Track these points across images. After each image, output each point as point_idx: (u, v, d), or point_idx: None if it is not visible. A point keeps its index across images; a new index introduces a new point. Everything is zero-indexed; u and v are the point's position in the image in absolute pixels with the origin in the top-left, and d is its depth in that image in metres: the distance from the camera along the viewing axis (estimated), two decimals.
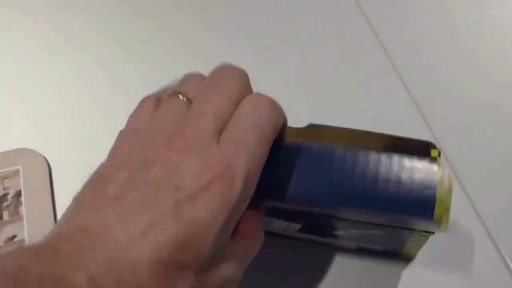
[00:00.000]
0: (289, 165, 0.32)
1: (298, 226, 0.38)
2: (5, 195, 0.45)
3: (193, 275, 0.24)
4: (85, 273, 0.22)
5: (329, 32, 0.57)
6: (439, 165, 0.31)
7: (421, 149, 0.32)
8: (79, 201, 0.27)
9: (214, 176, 0.25)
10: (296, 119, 0.35)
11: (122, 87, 0.53)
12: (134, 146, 0.27)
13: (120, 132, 0.31)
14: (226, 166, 0.25)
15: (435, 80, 0.53)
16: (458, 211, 0.44)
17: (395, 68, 0.54)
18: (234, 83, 0.29)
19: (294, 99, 0.51)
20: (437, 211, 0.30)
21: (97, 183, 0.27)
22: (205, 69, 0.33)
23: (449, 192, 0.31)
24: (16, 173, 0.46)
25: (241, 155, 0.26)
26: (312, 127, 0.34)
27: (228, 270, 0.27)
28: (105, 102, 0.52)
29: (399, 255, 0.41)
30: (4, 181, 0.46)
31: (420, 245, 0.37)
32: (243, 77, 0.30)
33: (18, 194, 0.45)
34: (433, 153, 0.32)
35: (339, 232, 0.38)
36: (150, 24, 0.59)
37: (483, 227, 0.44)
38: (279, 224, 0.38)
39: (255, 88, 0.31)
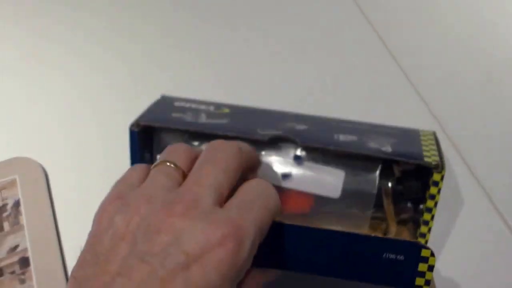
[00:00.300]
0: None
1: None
2: (4, 205, 0.45)
3: None
4: None
5: (324, 23, 0.57)
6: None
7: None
8: (81, 280, 0.25)
9: (223, 236, 0.24)
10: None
11: (117, 94, 0.53)
12: (130, 216, 0.26)
13: (105, 198, 0.29)
14: (235, 226, 0.25)
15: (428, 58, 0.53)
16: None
17: (390, 52, 0.54)
18: (229, 156, 0.29)
19: (285, 84, 0.51)
20: None
21: (97, 258, 0.26)
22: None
23: None
24: (13, 182, 0.46)
25: (249, 218, 0.26)
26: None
27: None
28: (100, 108, 0.52)
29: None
30: (2, 191, 0.45)
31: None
32: (236, 150, 0.30)
33: (17, 204, 0.45)
34: (424, 252, 0.32)
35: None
36: (148, 32, 0.58)
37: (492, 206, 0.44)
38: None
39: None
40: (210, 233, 0.24)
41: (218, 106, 0.42)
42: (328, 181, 0.37)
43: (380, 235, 0.38)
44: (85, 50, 0.56)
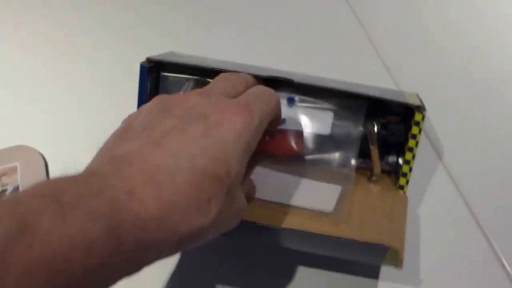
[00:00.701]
0: None
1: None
2: (4, 191, 0.46)
3: (224, 193, 0.27)
4: (123, 187, 0.23)
5: None
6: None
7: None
8: (105, 145, 0.28)
9: (236, 109, 0.29)
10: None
11: (117, 83, 0.54)
12: (152, 107, 0.30)
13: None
14: (245, 105, 0.30)
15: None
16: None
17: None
18: (240, 78, 0.35)
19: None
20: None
21: (122, 130, 0.29)
22: None
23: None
24: (13, 170, 0.47)
25: (256, 104, 0.31)
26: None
27: (244, 200, 0.31)
28: (100, 97, 0.53)
29: None
30: (2, 178, 0.46)
31: None
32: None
33: (16, 190, 0.46)
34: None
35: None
36: (144, 25, 0.59)
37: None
38: None
39: None
40: (225, 106, 0.29)
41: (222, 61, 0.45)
42: (319, 120, 0.40)
43: (365, 179, 0.42)
44: (89, 43, 0.57)
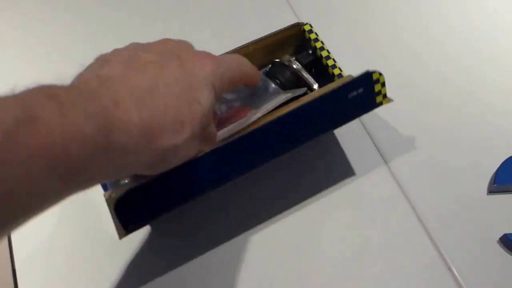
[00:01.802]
0: None
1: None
2: None
3: (197, 119, 0.30)
4: (110, 98, 0.26)
5: None
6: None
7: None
8: (85, 70, 0.30)
9: (205, 55, 0.33)
10: None
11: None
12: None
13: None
14: (214, 56, 0.34)
15: None
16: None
17: None
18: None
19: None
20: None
21: (102, 61, 0.31)
22: None
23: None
24: None
25: (224, 59, 0.34)
26: None
27: (214, 130, 0.34)
28: None
29: None
30: None
31: None
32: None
33: None
34: (375, 75, 0.39)
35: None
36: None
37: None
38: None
39: None
40: (197, 53, 0.33)
41: None
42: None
43: None
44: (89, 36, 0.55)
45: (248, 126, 0.38)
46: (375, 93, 0.39)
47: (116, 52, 0.32)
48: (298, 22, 0.46)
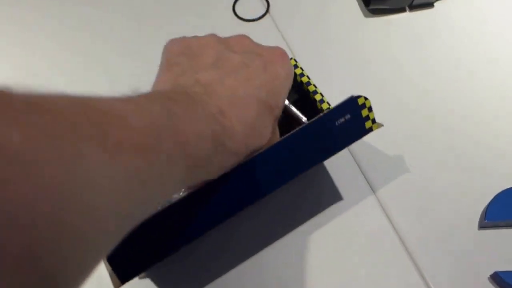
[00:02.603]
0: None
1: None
2: None
3: (273, 120, 0.33)
4: (216, 106, 0.29)
5: None
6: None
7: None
8: (175, 67, 0.33)
9: (282, 52, 0.35)
10: None
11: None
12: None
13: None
14: (284, 52, 0.36)
15: None
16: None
17: None
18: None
19: None
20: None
21: (193, 58, 0.33)
22: None
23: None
24: None
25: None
26: None
27: (277, 131, 0.36)
28: None
29: None
30: None
31: None
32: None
33: None
34: (360, 100, 0.38)
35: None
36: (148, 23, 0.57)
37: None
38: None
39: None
40: (275, 49, 0.36)
41: None
42: None
43: None
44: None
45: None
46: (363, 119, 0.38)
47: (200, 45, 0.34)
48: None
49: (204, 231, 0.35)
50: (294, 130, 0.36)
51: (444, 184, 0.46)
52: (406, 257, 0.43)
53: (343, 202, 0.46)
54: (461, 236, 0.44)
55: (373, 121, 0.38)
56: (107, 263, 0.33)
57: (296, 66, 0.45)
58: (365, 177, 0.47)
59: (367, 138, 0.47)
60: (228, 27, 0.57)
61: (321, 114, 0.36)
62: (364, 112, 0.37)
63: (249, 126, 0.31)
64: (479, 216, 0.44)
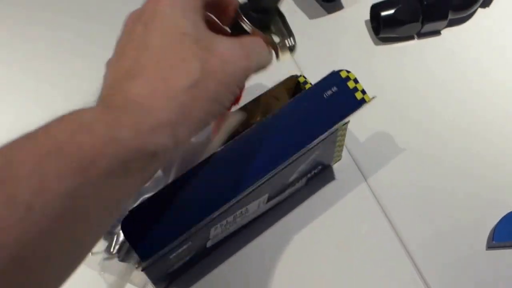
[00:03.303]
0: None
1: (266, 196, 0.43)
2: None
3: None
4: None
5: None
6: None
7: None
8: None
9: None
10: None
11: None
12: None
13: None
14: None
15: None
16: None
17: None
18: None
19: None
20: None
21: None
22: None
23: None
24: None
25: None
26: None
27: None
28: None
29: (332, 161, 0.50)
30: None
31: (343, 141, 0.47)
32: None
33: None
34: (343, 74, 0.40)
35: (293, 177, 0.44)
36: None
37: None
38: (252, 208, 0.43)
39: None
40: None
41: None
42: None
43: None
44: None
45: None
46: (351, 90, 0.39)
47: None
48: (292, 75, 0.47)
49: (216, 207, 0.36)
50: (284, 104, 0.38)
51: (453, 206, 0.48)
52: (417, 277, 0.44)
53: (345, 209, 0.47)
54: (469, 256, 0.45)
55: (363, 91, 0.39)
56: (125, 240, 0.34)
57: (305, 83, 0.46)
58: (377, 201, 0.49)
59: (378, 152, 0.49)
60: None
61: (304, 91, 0.39)
62: (351, 84, 0.39)
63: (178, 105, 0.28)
64: (487, 236, 0.46)
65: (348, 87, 0.39)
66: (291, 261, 0.46)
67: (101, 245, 0.41)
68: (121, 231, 0.38)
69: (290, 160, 0.38)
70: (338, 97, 0.39)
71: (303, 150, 0.39)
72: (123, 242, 0.40)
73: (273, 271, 0.45)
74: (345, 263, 0.46)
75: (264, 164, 0.37)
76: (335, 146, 0.47)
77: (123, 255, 0.39)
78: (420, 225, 0.47)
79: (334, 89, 0.39)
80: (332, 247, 0.47)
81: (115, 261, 0.40)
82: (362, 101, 0.39)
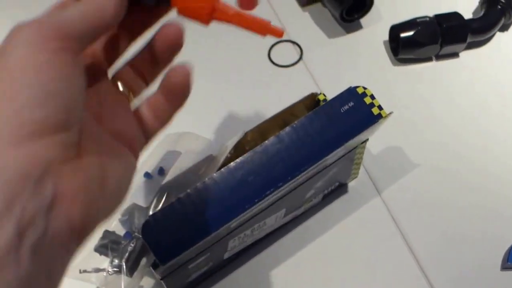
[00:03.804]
0: None
1: (283, 211, 0.44)
2: None
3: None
4: None
5: None
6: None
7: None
8: None
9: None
10: None
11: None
12: None
13: None
14: None
15: None
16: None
17: None
18: None
19: None
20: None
21: None
22: None
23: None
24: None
25: None
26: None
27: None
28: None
29: (349, 178, 0.51)
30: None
31: (361, 158, 0.48)
32: None
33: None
34: (359, 90, 0.41)
35: (310, 193, 0.45)
36: None
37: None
38: (270, 221, 0.44)
39: None
40: None
41: None
42: None
43: None
44: None
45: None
46: (367, 105, 0.40)
47: None
48: (312, 93, 0.48)
49: (235, 214, 0.37)
50: (302, 117, 0.39)
51: (468, 224, 0.49)
52: None
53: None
54: (484, 276, 0.46)
55: (379, 107, 0.40)
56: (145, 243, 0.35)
57: (325, 101, 0.47)
58: (390, 214, 0.49)
59: (392, 167, 0.49)
60: (264, 72, 0.61)
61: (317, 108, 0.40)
62: (367, 100, 0.40)
63: None
64: (502, 257, 0.46)
65: (364, 102, 0.40)
66: (305, 270, 0.47)
67: (102, 261, 0.42)
68: (128, 246, 0.40)
69: (308, 171, 0.39)
70: (355, 112, 0.40)
71: (320, 163, 0.39)
72: (129, 255, 0.40)
73: (287, 279, 0.46)
74: (357, 275, 0.46)
75: (281, 174, 0.38)
76: (353, 164, 0.48)
77: (129, 268, 0.40)
78: (434, 241, 0.48)
79: (351, 104, 0.40)
80: (344, 258, 0.47)
81: (119, 277, 0.40)
82: (379, 116, 0.40)
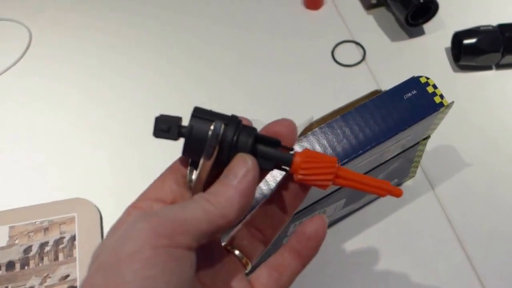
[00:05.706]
0: None
1: (343, 201, 0.47)
2: (62, 238, 0.50)
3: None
4: None
5: None
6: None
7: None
8: None
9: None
10: None
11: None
12: None
13: None
14: None
15: None
16: None
17: None
18: None
19: None
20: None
21: None
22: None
23: None
24: (72, 219, 0.51)
25: None
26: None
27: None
28: (153, 154, 0.57)
29: (407, 177, 0.53)
30: (61, 226, 0.51)
31: (420, 157, 0.50)
32: None
33: (73, 238, 0.50)
34: (422, 80, 0.42)
35: None
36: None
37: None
38: (330, 211, 0.47)
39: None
40: None
41: None
42: None
43: None
44: (141, 99, 0.62)
45: None
46: (429, 94, 0.42)
47: None
48: (376, 89, 0.49)
49: None
50: (367, 100, 0.41)
51: None
52: None
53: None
54: None
55: (441, 96, 0.42)
56: None
57: None
58: (443, 210, 0.51)
59: (447, 165, 0.51)
60: (327, 71, 0.64)
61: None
62: (430, 89, 0.42)
63: None
64: None
65: (427, 91, 0.42)
66: (358, 256, 0.49)
67: None
68: None
69: (370, 152, 0.41)
70: (417, 99, 0.42)
71: (381, 146, 0.41)
72: None
73: (342, 263, 0.49)
74: (406, 267, 0.48)
75: (344, 153, 0.40)
76: (412, 162, 0.50)
77: None
78: (485, 238, 0.49)
79: (414, 92, 0.42)
80: (395, 250, 0.49)
81: None
82: (441, 105, 0.42)
